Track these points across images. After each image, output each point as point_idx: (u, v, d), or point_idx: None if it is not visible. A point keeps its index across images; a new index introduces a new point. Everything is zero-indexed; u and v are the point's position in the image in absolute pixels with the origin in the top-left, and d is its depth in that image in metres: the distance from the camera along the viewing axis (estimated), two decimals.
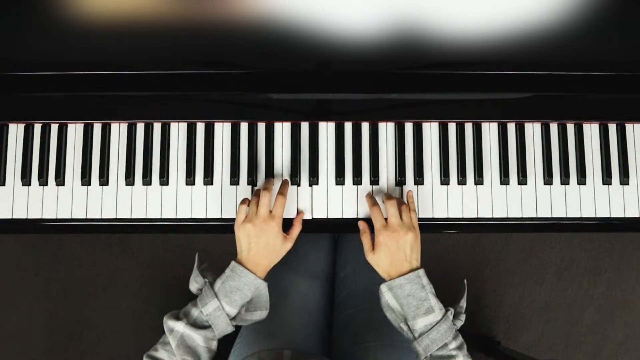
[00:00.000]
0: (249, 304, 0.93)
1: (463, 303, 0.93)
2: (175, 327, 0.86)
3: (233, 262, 0.91)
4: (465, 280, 0.98)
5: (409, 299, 0.88)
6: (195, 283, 0.92)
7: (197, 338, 0.86)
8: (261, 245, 0.92)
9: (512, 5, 0.99)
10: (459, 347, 0.86)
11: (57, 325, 1.68)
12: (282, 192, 0.97)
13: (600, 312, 1.70)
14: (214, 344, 0.88)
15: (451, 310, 0.89)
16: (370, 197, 1.02)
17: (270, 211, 0.94)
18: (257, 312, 0.93)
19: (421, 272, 0.90)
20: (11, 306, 1.69)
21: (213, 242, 1.70)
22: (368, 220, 0.99)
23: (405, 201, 0.99)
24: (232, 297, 0.88)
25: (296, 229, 0.98)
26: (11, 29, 1.01)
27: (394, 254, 0.91)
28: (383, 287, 0.90)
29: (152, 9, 0.99)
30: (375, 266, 0.93)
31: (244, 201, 0.97)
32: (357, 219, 1.01)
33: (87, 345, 1.68)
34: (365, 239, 0.95)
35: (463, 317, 0.91)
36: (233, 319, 0.90)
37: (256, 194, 0.97)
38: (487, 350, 1.57)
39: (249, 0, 0.98)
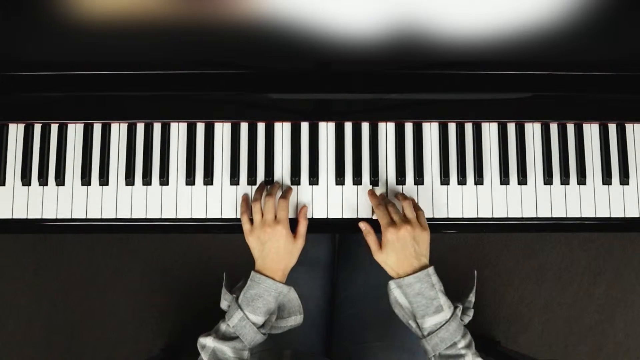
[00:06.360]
0: (282, 312, 0.94)
1: (472, 297, 0.92)
2: (206, 342, 0.88)
3: (252, 272, 0.92)
4: (475, 272, 0.95)
5: (418, 297, 0.87)
6: (224, 301, 0.93)
7: (226, 350, 0.87)
8: (273, 251, 0.93)
9: (512, 5, 0.99)
10: (468, 346, 0.86)
11: (57, 325, 1.68)
12: (285, 195, 0.98)
13: (600, 312, 1.70)
14: (245, 354, 0.89)
15: (460, 307, 0.88)
16: (374, 195, 1.01)
17: (275, 216, 0.95)
18: (292, 318, 0.94)
19: (431, 270, 0.89)
20: (11, 306, 1.69)
21: (213, 242, 1.70)
22: (368, 221, 0.99)
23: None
24: (255, 305, 0.89)
25: (302, 225, 0.97)
26: (11, 28, 1.01)
27: (401, 251, 0.90)
28: (392, 284, 0.89)
29: (152, 9, 0.99)
30: (384, 265, 0.91)
31: (243, 212, 0.98)
32: (357, 219, 1.01)
33: (87, 345, 1.68)
34: (371, 239, 0.94)
35: (471, 313, 0.90)
36: (262, 326, 0.90)
37: (254, 202, 0.97)
38: (487, 351, 1.57)
39: (249, 0, 0.98)
